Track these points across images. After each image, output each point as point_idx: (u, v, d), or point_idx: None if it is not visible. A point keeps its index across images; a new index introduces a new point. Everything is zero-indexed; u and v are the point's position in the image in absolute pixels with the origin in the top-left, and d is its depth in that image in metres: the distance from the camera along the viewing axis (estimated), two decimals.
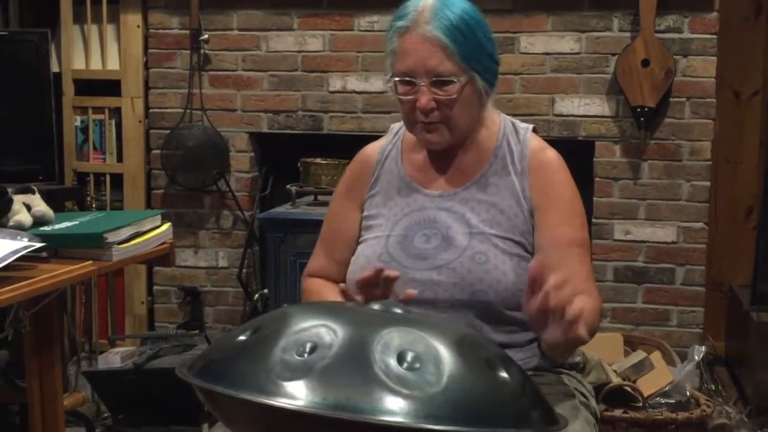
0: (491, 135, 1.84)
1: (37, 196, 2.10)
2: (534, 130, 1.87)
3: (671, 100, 3.52)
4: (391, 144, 1.91)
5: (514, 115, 3.49)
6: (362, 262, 1.80)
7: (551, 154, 1.83)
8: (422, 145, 1.84)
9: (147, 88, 3.85)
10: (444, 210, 1.80)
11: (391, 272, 1.57)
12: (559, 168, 1.81)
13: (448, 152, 1.83)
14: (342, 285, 1.68)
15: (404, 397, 1.16)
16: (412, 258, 1.76)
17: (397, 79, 1.75)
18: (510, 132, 1.84)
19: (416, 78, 1.72)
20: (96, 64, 3.88)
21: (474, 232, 1.76)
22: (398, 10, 1.76)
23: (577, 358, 1.93)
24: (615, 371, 3.03)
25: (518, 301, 1.71)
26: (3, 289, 1.70)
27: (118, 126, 3.88)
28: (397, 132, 1.93)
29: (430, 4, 1.72)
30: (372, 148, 1.93)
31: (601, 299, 1.77)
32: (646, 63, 3.44)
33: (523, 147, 1.82)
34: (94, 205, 3.84)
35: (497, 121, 1.86)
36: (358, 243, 1.88)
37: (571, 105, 3.58)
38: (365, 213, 1.88)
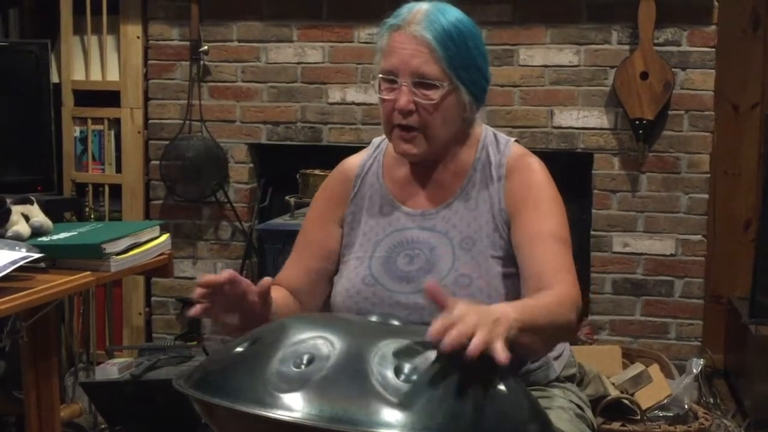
0: (471, 148, 1.79)
1: (36, 206, 2.10)
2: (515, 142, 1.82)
3: (670, 112, 3.52)
4: (371, 158, 1.86)
5: (513, 128, 3.56)
6: (346, 285, 1.77)
7: (531, 159, 1.78)
8: (398, 155, 1.78)
9: (146, 99, 3.86)
10: (426, 230, 1.76)
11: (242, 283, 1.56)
12: (536, 170, 1.75)
13: (430, 167, 1.78)
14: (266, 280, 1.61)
15: (401, 409, 1.16)
16: (397, 280, 1.73)
17: (380, 76, 1.71)
18: (490, 142, 1.80)
19: (398, 77, 1.68)
20: (96, 75, 3.89)
21: (458, 253, 1.72)
22: (394, 11, 1.74)
23: (572, 370, 1.92)
24: (613, 384, 3.03)
25: None
26: (1, 300, 1.70)
27: (117, 137, 3.88)
28: (378, 145, 1.88)
29: (425, 9, 1.69)
30: (352, 162, 1.88)
31: (574, 291, 1.60)
32: (644, 76, 3.45)
33: (502, 156, 1.77)
34: (92, 216, 3.84)
35: (479, 133, 1.82)
36: (339, 258, 1.84)
37: (570, 117, 3.59)
38: (345, 230, 1.84)
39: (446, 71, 1.67)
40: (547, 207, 1.71)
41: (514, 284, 1.70)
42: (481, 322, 1.25)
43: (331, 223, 1.85)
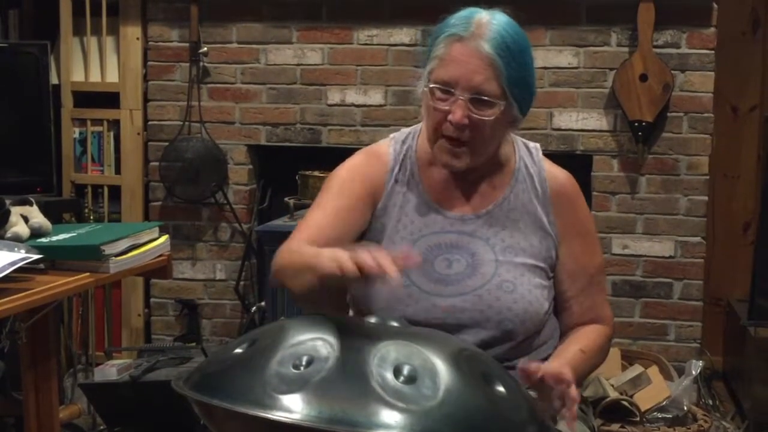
0: (510, 156, 1.81)
1: (35, 207, 2.10)
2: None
3: (669, 114, 3.52)
4: (401, 154, 1.81)
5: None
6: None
7: (564, 175, 1.83)
8: (440, 165, 1.76)
9: (146, 100, 3.86)
10: (466, 234, 1.75)
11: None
12: (577, 193, 1.82)
13: (470, 173, 1.77)
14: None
15: (400, 410, 1.16)
16: (434, 283, 1.71)
17: (434, 85, 1.68)
18: (524, 153, 1.82)
19: (456, 89, 1.65)
20: (95, 77, 3.89)
21: (501, 260, 1.73)
22: (448, 19, 1.70)
23: None
24: (612, 385, 3.03)
25: (538, 329, 1.75)
26: (0, 301, 1.69)
27: (117, 138, 3.88)
28: (404, 141, 1.83)
29: (486, 20, 1.67)
30: (385, 152, 1.82)
31: (612, 319, 1.86)
32: (644, 78, 3.45)
33: (540, 169, 1.80)
34: (91, 217, 3.84)
35: (511, 141, 1.82)
36: (355, 236, 1.76)
37: (570, 119, 3.59)
38: (373, 220, 1.78)
39: (504, 89, 1.66)
40: (592, 235, 1.84)
41: (548, 295, 1.76)
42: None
43: (366, 197, 1.78)
